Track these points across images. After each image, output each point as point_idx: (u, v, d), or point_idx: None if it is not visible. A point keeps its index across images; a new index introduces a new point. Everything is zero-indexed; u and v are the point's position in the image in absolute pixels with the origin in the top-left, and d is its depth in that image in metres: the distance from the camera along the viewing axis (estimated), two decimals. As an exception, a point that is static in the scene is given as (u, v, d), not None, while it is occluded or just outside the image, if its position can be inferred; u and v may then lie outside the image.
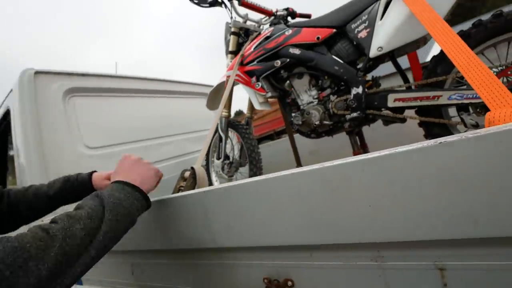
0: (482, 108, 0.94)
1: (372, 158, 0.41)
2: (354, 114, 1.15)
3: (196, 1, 1.53)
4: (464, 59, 0.66)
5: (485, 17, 0.98)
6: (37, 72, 1.61)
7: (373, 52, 1.10)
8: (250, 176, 1.68)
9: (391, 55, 1.18)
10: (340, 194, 0.44)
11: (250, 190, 0.55)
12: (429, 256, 0.38)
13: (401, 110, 1.12)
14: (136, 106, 2.17)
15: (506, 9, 0.96)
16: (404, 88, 1.14)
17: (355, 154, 1.29)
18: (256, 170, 1.65)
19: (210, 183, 2.06)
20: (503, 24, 0.91)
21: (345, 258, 0.46)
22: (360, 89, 1.15)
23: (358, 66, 1.22)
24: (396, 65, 1.20)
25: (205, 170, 2.13)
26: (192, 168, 1.20)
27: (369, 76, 1.26)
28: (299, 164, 2.42)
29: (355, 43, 1.17)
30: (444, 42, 0.73)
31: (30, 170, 1.55)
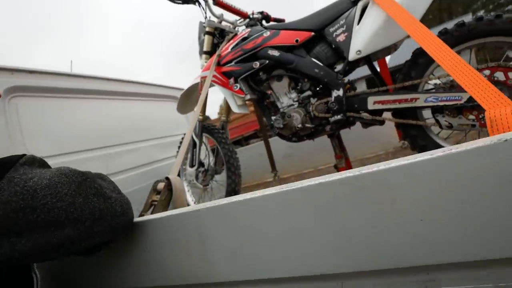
0: (456, 110, 1.00)
1: (423, 161, 0.33)
2: (337, 117, 1.15)
3: None
4: (451, 61, 0.68)
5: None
6: (-33, 68, 1.34)
7: (352, 55, 1.12)
8: (228, 184, 1.59)
9: (367, 59, 1.21)
10: (381, 206, 0.35)
11: (263, 206, 0.43)
12: (490, 276, 0.32)
13: (380, 112, 1.15)
14: (94, 109, 1.93)
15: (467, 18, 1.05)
16: (380, 91, 1.17)
17: (337, 157, 1.30)
18: (234, 177, 1.57)
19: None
20: (466, 33, 0.98)
21: (387, 285, 0.37)
22: (340, 92, 1.16)
23: (337, 69, 1.23)
24: (372, 68, 1.24)
25: (180, 179, 1.99)
26: (167, 178, 1.07)
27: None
28: (274, 169, 2.40)
29: (333, 46, 1.18)
30: (428, 45, 0.75)
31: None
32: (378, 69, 1.30)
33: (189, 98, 1.77)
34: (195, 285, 0.52)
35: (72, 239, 0.44)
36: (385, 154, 2.00)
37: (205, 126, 1.67)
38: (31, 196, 0.40)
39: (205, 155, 1.80)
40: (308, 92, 1.26)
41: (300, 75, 1.25)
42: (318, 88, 1.26)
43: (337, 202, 0.38)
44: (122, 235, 0.56)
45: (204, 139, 1.77)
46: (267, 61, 1.26)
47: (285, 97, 1.31)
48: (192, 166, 1.71)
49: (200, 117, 1.64)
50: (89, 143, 1.85)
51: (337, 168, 1.31)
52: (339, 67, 1.22)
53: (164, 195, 1.07)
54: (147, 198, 1.16)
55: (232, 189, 1.57)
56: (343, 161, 1.29)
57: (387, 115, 1.16)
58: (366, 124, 1.21)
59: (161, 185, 1.10)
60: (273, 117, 1.32)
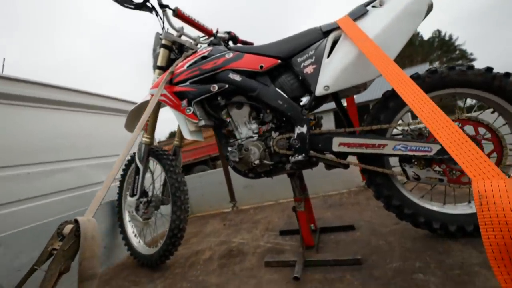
0: (424, 161, 0.91)
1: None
2: (299, 157, 1.01)
3: (119, 0, 1.23)
4: (427, 110, 0.57)
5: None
6: None
7: (319, 91, 1.01)
8: (172, 220, 1.35)
9: (335, 95, 1.11)
10: None
11: None
12: None
13: (345, 155, 1.04)
14: (24, 119, 1.61)
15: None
16: (346, 132, 1.07)
17: (296, 200, 1.14)
18: (180, 213, 1.34)
19: (123, 229, 1.61)
20: (438, 81, 0.92)
21: None
22: (304, 129, 1.03)
23: (302, 103, 1.12)
24: (339, 106, 1.14)
25: (115, 209, 1.69)
26: (76, 220, 0.80)
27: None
28: (233, 199, 2.19)
29: (300, 78, 1.07)
30: (402, 88, 0.64)
31: None
32: (345, 107, 1.22)
33: (139, 115, 1.54)
34: None
35: None
36: (348, 193, 1.91)
37: (152, 150, 1.44)
38: None
39: (151, 183, 1.55)
40: (270, 125, 1.12)
41: (262, 104, 1.11)
42: (280, 122, 1.13)
43: None
44: None
45: (151, 164, 1.53)
46: (227, 86, 1.10)
47: (244, 127, 1.16)
48: (133, 195, 1.45)
49: (147, 140, 1.41)
50: (11, 159, 1.51)
51: (296, 211, 1.16)
52: (305, 101, 1.11)
53: (68, 244, 0.80)
54: (47, 244, 0.89)
55: (176, 226, 1.33)
56: (302, 204, 1.15)
57: (352, 158, 1.05)
58: (329, 166, 1.09)
59: (68, 228, 0.84)
60: (229, 148, 1.15)
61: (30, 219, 1.44)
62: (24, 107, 1.63)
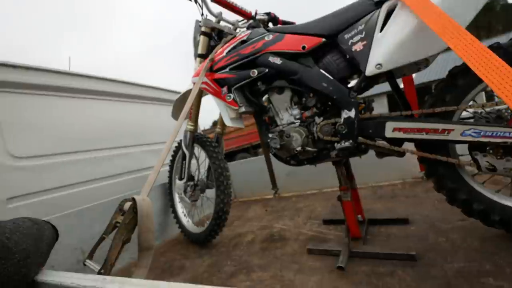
0: (503, 149, 0.76)
1: None
2: (345, 143, 0.93)
3: None
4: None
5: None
6: None
7: (370, 70, 0.90)
8: (217, 203, 1.41)
9: (389, 75, 0.98)
10: None
11: None
12: None
13: (400, 142, 0.93)
14: (85, 109, 1.81)
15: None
16: (402, 116, 0.94)
17: (342, 189, 1.07)
18: (224, 196, 1.39)
19: (174, 209, 1.74)
20: None
21: None
22: (352, 113, 0.94)
23: (350, 85, 1.02)
24: (395, 87, 1.01)
25: (166, 191, 1.83)
26: (133, 199, 0.90)
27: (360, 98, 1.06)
28: (274, 186, 2.19)
29: (348, 57, 0.97)
30: (479, 63, 0.53)
31: None
32: (402, 88, 1.08)
33: (183, 105, 1.61)
34: None
35: None
36: (402, 185, 1.73)
37: (196, 137, 1.49)
38: None
39: (196, 168, 1.63)
40: (313, 110, 1.05)
41: (305, 88, 1.04)
42: (325, 106, 1.05)
43: None
44: None
45: (197, 151, 1.60)
46: (267, 70, 1.06)
47: (285, 113, 1.11)
48: (181, 179, 1.54)
49: (191, 127, 1.47)
50: (77, 145, 1.73)
51: (341, 201, 1.09)
52: (353, 83, 1.01)
53: (129, 218, 0.90)
54: (111, 218, 1.00)
55: (221, 209, 1.40)
56: (348, 194, 1.07)
57: (409, 145, 0.93)
58: (381, 154, 0.99)
59: (127, 205, 0.94)
60: (270, 135, 1.12)
61: (97, 197, 1.65)
62: (90, 99, 1.84)
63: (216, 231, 1.45)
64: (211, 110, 2.18)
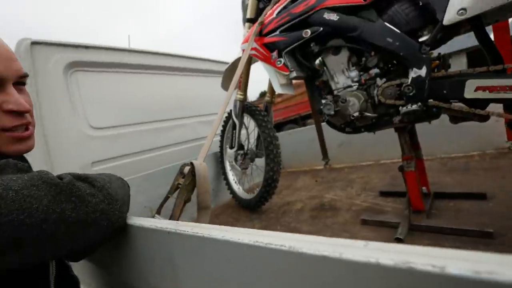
0: None
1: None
2: (413, 106, 0.83)
3: None
4: None
5: None
6: (34, 43, 1.44)
7: (450, 17, 0.75)
8: (266, 171, 1.44)
9: (475, 23, 0.81)
10: None
11: (248, 255, 0.28)
12: None
13: (483, 103, 0.78)
14: (147, 83, 1.97)
15: None
16: (490, 71, 0.78)
17: (405, 159, 0.98)
18: (273, 165, 1.41)
19: (226, 176, 1.85)
20: None
21: None
22: (423, 71, 0.82)
23: (422, 39, 0.87)
24: (483, 37, 0.83)
25: (218, 159, 1.94)
26: (192, 163, 0.97)
27: (434, 53, 0.91)
28: (325, 157, 2.13)
29: (420, 3, 0.82)
30: None
31: (30, 153, 1.44)
32: (493, 39, 0.88)
33: (233, 74, 1.62)
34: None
35: (49, 256, 0.42)
36: (480, 156, 1.49)
37: (246, 107, 1.51)
38: None
39: (246, 137, 1.66)
40: (375, 70, 0.94)
41: (366, 46, 0.93)
42: (389, 65, 0.93)
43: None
44: (110, 239, 0.50)
45: (246, 120, 1.62)
46: (321, 29, 0.97)
47: (341, 75, 1.02)
48: (231, 147, 1.60)
49: (241, 97, 1.48)
50: (141, 117, 1.92)
51: (403, 172, 1.00)
52: (425, 36, 0.86)
53: (188, 180, 0.99)
54: (174, 180, 1.11)
55: (270, 177, 1.42)
56: (412, 164, 0.97)
57: (494, 107, 0.78)
58: (456, 118, 0.85)
59: (187, 169, 1.02)
60: (323, 101, 1.06)
61: (158, 164, 1.84)
62: (151, 74, 1.98)
63: (265, 198, 1.50)
64: (258, 81, 2.16)
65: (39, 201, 0.38)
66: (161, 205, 1.16)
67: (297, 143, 2.32)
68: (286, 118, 6.17)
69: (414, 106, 0.83)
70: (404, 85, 0.86)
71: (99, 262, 0.70)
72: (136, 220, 0.46)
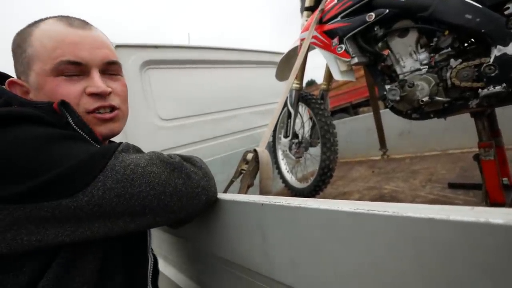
0: None
1: None
2: (495, 88, 0.76)
3: None
4: None
5: None
6: (117, 46, 1.68)
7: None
8: (322, 159, 1.45)
9: None
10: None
11: (335, 222, 0.32)
12: None
13: None
14: (205, 77, 2.13)
15: None
16: None
17: (482, 146, 0.90)
18: (330, 154, 1.41)
19: (278, 165, 1.91)
20: None
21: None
22: (509, 48, 0.74)
23: (508, 11, 0.78)
24: None
25: (270, 149, 2.01)
26: (255, 150, 1.05)
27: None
28: (383, 147, 2.02)
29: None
30: None
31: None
32: None
33: (288, 64, 1.64)
34: (258, 274, 0.49)
35: (161, 222, 0.49)
36: None
37: (302, 95, 1.52)
38: (129, 184, 0.43)
39: (301, 126, 1.69)
40: (448, 51, 0.88)
41: (438, 26, 0.87)
42: (465, 45, 0.86)
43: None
44: (204, 211, 0.58)
45: (301, 109, 1.64)
46: (387, 11, 0.94)
47: (409, 58, 0.97)
48: (286, 136, 1.65)
49: (297, 85, 1.50)
50: (201, 108, 2.09)
51: (479, 161, 0.91)
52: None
53: (252, 166, 1.07)
54: (238, 166, 1.20)
55: (326, 166, 1.43)
56: (491, 152, 0.88)
57: None
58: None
59: (250, 156, 1.10)
60: (387, 86, 1.02)
61: (217, 152, 1.99)
62: (208, 68, 2.13)
63: (320, 187, 1.51)
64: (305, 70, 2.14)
65: (159, 176, 0.46)
66: (227, 188, 1.28)
67: (351, 132, 2.25)
68: (335, 107, 5.94)
69: (498, 88, 0.76)
70: (484, 65, 0.78)
71: (184, 235, 0.80)
72: (226, 196, 0.54)
